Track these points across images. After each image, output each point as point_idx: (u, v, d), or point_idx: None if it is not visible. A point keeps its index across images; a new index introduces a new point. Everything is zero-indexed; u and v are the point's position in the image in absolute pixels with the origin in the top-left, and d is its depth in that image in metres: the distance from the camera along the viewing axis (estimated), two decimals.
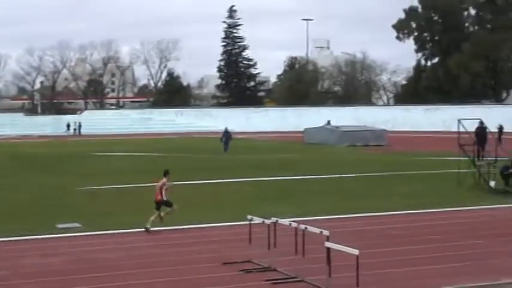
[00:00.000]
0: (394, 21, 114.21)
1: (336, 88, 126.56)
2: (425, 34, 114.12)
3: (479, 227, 22.86)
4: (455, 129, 33.81)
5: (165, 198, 22.06)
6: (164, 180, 22.20)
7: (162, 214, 22.16)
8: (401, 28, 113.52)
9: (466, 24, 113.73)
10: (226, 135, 55.16)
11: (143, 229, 21.66)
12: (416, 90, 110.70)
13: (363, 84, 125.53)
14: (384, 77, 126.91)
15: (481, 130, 35.73)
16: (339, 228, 21.42)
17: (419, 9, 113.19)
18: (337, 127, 69.73)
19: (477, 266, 17.46)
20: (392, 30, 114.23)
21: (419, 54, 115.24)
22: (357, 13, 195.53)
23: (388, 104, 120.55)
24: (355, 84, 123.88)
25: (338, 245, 14.56)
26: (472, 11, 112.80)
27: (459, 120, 33.29)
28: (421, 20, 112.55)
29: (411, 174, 38.49)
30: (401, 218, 24.68)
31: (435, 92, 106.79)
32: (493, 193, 30.58)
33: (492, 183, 31.46)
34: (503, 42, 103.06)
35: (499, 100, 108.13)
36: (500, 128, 59.92)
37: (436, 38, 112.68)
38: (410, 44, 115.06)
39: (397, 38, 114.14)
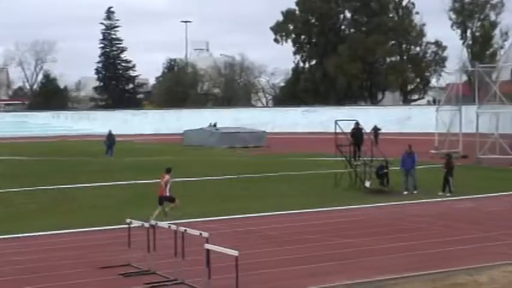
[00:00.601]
0: (272, 23, 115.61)
1: (216, 90, 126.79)
2: (303, 37, 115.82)
3: (354, 226, 23.39)
4: (332, 130, 34.49)
5: (168, 194, 23.79)
6: (167, 177, 23.87)
7: (166, 209, 23.78)
8: (279, 31, 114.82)
9: (343, 27, 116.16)
10: (110, 138, 54.19)
11: (149, 224, 21.43)
12: (295, 92, 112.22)
13: (242, 86, 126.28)
14: (263, 79, 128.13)
15: (357, 131, 36.56)
16: (218, 229, 21.48)
17: (297, 12, 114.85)
18: (217, 129, 69.93)
19: (352, 264, 17.85)
20: (271, 33, 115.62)
21: (297, 57, 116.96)
22: (236, 15, 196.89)
23: (267, 106, 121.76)
24: (234, 86, 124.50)
25: (217, 247, 14.59)
26: (348, 14, 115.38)
27: (336, 121, 33.99)
28: (299, 22, 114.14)
29: (289, 175, 38.95)
30: (279, 219, 24.95)
31: (313, 93, 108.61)
32: (369, 193, 31.33)
33: (367, 183, 32.21)
34: (378, 45, 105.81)
35: (374, 101, 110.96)
36: (376, 128, 61.48)
37: (314, 40, 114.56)
38: (288, 46, 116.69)
39: (275, 40, 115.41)
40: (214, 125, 73.90)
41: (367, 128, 41.32)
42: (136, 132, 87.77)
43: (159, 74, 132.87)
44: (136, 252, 17.38)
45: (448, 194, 30.57)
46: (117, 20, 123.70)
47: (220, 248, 14.53)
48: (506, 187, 32.85)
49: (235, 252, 13.86)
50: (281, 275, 16.77)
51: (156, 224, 20.39)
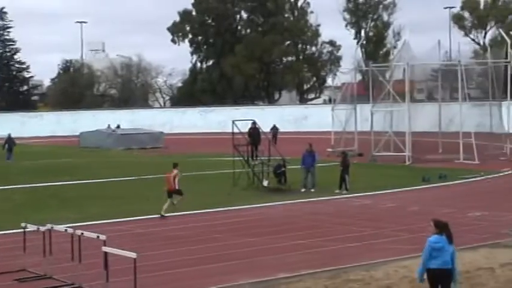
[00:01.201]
0: (169, 24, 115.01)
1: (112, 91, 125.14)
2: (200, 37, 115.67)
3: (253, 225, 23.58)
4: (230, 130, 34.64)
5: (177, 187, 25.53)
6: (176, 171, 25.77)
7: (174, 202, 25.41)
8: (176, 31, 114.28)
9: (239, 28, 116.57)
10: (9, 141, 52.70)
11: (159, 216, 24.60)
12: (192, 93, 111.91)
13: (139, 87, 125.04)
14: (160, 80, 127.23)
15: (254, 130, 36.81)
16: (117, 232, 21.29)
17: (194, 13, 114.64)
18: (114, 130, 69.13)
19: (251, 263, 18.00)
20: (168, 33, 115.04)
21: (195, 57, 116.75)
22: (132, 16, 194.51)
23: (164, 107, 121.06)
24: (131, 87, 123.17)
25: (115, 249, 14.47)
26: (244, 15, 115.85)
27: (233, 121, 34.15)
28: (195, 23, 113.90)
29: (188, 176, 38.76)
30: (179, 219, 24.90)
31: (210, 93, 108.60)
32: (267, 192, 31.60)
33: (265, 182, 32.48)
34: (274, 45, 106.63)
35: (271, 101, 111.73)
36: (275, 128, 61.94)
37: (211, 40, 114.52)
38: (185, 46, 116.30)
39: (172, 41, 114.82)
40: (118, 127, 73.12)
41: (266, 128, 41.61)
42: (32, 135, 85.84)
43: (54, 75, 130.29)
44: (32, 257, 17.03)
45: (344, 192, 31.14)
46: (11, 20, 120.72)
47: (118, 250, 14.41)
48: (400, 184, 33.70)
49: (133, 255, 13.78)
50: (181, 276, 16.75)
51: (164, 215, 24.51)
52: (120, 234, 21.21)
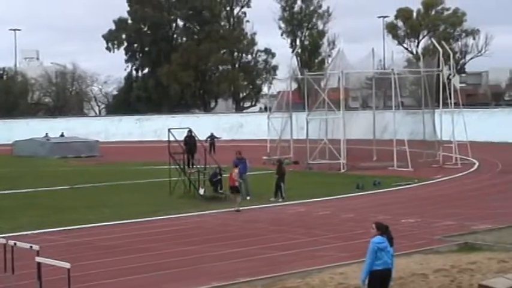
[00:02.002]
0: (105, 32, 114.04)
1: (47, 99, 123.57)
2: (136, 45, 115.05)
3: (189, 234, 23.51)
4: (166, 138, 34.51)
5: (237, 184, 29.35)
6: (236, 170, 29.57)
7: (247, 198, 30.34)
8: (111, 39, 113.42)
9: (175, 36, 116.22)
10: None
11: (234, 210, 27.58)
12: (128, 101, 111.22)
13: (74, 95, 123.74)
14: (95, 88, 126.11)
15: (190, 139, 36.76)
16: (50, 242, 21.02)
17: (129, 21, 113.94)
18: (48, 139, 68.22)
19: (188, 271, 17.94)
20: (103, 41, 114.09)
21: (130, 65, 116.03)
22: (67, 24, 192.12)
23: (100, 115, 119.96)
24: (66, 96, 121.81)
25: (49, 259, 14.28)
26: (180, 23, 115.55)
27: (169, 130, 34.03)
28: (131, 31, 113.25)
29: (124, 184, 38.58)
30: (113, 229, 24.68)
31: (146, 102, 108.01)
32: (203, 200, 31.54)
33: (201, 191, 32.41)
34: (210, 53, 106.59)
35: (207, 109, 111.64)
36: (213, 136, 61.86)
37: (146, 49, 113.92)
38: (121, 54, 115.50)
39: (107, 48, 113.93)
40: (62, 135, 72.37)
41: (202, 136, 41.54)
42: None
43: None
44: None
45: (280, 200, 31.25)
46: None
47: (52, 260, 14.23)
48: (335, 191, 33.95)
49: (67, 265, 13.62)
50: (117, 286, 16.61)
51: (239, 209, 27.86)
52: (54, 244, 20.94)
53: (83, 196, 33.77)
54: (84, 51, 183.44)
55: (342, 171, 43.87)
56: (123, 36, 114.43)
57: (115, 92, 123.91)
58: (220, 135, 64.78)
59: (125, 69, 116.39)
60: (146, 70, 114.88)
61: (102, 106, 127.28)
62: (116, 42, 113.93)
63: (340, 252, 19.85)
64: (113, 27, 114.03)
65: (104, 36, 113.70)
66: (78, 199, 32.76)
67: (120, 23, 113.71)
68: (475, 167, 45.27)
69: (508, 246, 19.67)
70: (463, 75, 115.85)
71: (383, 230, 12.89)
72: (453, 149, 47.24)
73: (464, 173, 42.37)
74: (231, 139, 73.87)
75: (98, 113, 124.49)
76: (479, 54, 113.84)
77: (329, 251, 20.18)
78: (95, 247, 21.25)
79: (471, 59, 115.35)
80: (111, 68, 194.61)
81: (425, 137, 49.72)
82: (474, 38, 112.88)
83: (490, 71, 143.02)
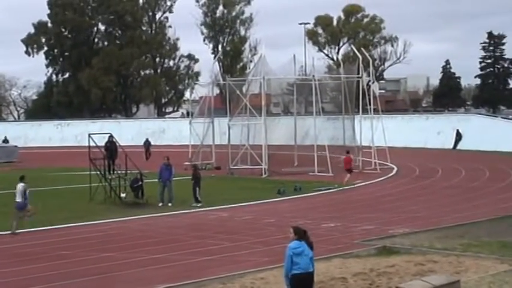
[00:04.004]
0: (24, 35, 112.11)
1: None
2: (56, 49, 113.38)
3: (110, 240, 23.29)
4: (86, 143, 34.13)
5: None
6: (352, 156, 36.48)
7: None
8: (31, 43, 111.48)
9: (96, 40, 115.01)
10: None
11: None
12: (48, 105, 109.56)
13: None
14: (14, 92, 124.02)
15: (111, 144, 36.43)
16: None
17: (49, 24, 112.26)
18: None
19: (108, 278, 17.78)
20: (22, 45, 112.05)
21: (50, 70, 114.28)
22: None
23: (19, 120, 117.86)
24: None
25: None
26: (102, 27, 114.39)
27: (89, 135, 33.68)
28: (51, 35, 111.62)
29: (44, 190, 37.93)
30: (31, 236, 24.28)
31: (67, 106, 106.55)
32: (125, 206, 31.28)
33: (123, 196, 32.16)
34: (132, 58, 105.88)
35: (129, 114, 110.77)
36: (148, 142, 61.45)
37: (67, 53, 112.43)
38: (41, 58, 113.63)
39: (27, 52, 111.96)
40: (5, 141, 71.04)
41: (123, 142, 41.10)
42: None
43: None
44: None
45: (199, 205, 31.22)
46: None
47: None
48: (257, 196, 34.10)
49: None
50: None
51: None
52: None
53: (0, 203, 33.05)
54: (2, 55, 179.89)
55: (264, 176, 44.08)
56: (43, 40, 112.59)
57: (35, 97, 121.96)
58: (138, 141, 64.32)
59: (46, 74, 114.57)
60: (67, 74, 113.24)
61: (22, 111, 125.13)
62: (35, 46, 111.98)
63: (262, 257, 19.94)
64: (33, 30, 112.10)
65: (23, 41, 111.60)
66: None
67: (40, 26, 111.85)
68: (394, 172, 46.04)
69: (425, 249, 20.08)
70: (382, 81, 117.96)
71: (300, 234, 12.98)
72: (372, 154, 47.98)
73: (383, 178, 43.04)
74: (153, 144, 73.37)
75: (17, 117, 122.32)
76: (397, 61, 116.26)
77: (251, 256, 20.26)
78: (9, 254, 20.87)
79: (390, 65, 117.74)
80: (30, 72, 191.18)
81: (346, 143, 50.36)
82: (393, 46, 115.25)
83: (408, 77, 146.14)
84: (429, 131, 69.84)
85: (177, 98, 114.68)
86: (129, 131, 77.09)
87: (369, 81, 51.91)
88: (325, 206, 31.43)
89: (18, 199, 24.65)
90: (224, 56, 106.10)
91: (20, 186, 24.84)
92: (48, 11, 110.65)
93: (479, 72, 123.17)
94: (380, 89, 65.98)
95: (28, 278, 17.83)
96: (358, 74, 50.04)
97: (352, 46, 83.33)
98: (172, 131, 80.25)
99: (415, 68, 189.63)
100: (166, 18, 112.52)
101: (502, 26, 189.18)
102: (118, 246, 21.91)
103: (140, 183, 32.53)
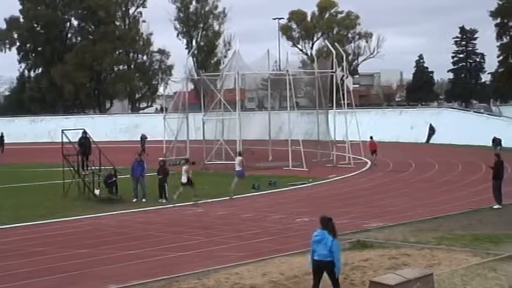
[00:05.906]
0: None
1: None
2: (28, 45, 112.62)
3: (84, 236, 23.21)
4: (60, 139, 33.95)
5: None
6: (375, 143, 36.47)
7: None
8: (3, 38, 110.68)
9: (69, 35, 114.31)
10: None
11: None
12: (21, 101, 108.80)
13: None
14: None
15: (85, 140, 36.27)
16: None
17: (21, 19, 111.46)
18: None
19: (82, 274, 17.73)
20: None
21: (23, 65, 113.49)
22: None
23: None
24: None
25: None
26: (75, 22, 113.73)
27: (63, 131, 33.51)
28: (24, 30, 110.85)
29: (16, 187, 37.78)
30: (3, 233, 24.14)
31: (40, 102, 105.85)
32: (99, 202, 31.18)
33: (97, 192, 32.05)
34: (105, 53, 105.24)
35: (103, 110, 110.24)
36: (144, 137, 61.26)
37: (39, 48, 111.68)
38: (13, 54, 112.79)
39: None
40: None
41: (96, 138, 40.86)
42: None
43: None
44: None
45: (164, 201, 31.08)
46: None
47: None
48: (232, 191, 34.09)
49: None
50: None
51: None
52: None
53: None
54: None
55: None
56: (15, 35, 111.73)
57: (7, 93, 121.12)
58: (112, 137, 64.00)
59: (18, 70, 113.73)
60: (40, 70, 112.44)
61: None
62: (7, 41, 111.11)
63: (237, 252, 19.99)
64: (4, 26, 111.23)
65: None
66: None
67: (12, 22, 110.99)
68: (368, 166, 46.29)
69: (399, 243, 20.20)
70: (356, 76, 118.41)
71: (324, 223, 13.89)
72: (346, 148, 48.19)
73: (357, 172, 43.27)
74: (127, 140, 73.26)
75: None
76: (371, 56, 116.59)
77: (226, 251, 20.28)
78: None
79: (364, 60, 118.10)
80: (2, 68, 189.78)
81: (320, 137, 50.56)
82: (367, 41, 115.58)
83: (381, 72, 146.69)
84: (402, 126, 70.31)
85: (151, 93, 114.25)
86: (103, 127, 76.81)
87: (343, 76, 52.06)
88: (300, 201, 31.52)
89: None
90: (198, 51, 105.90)
91: None
92: (20, 7, 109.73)
93: (451, 66, 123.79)
94: (354, 83, 66.12)
95: (4, 275, 17.74)
96: (332, 68, 50.18)
97: (326, 41, 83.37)
98: (146, 127, 79.73)
99: (388, 62, 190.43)
100: (140, 13, 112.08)
101: (474, 21, 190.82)
102: (92, 243, 21.84)
103: (114, 179, 32.46)
